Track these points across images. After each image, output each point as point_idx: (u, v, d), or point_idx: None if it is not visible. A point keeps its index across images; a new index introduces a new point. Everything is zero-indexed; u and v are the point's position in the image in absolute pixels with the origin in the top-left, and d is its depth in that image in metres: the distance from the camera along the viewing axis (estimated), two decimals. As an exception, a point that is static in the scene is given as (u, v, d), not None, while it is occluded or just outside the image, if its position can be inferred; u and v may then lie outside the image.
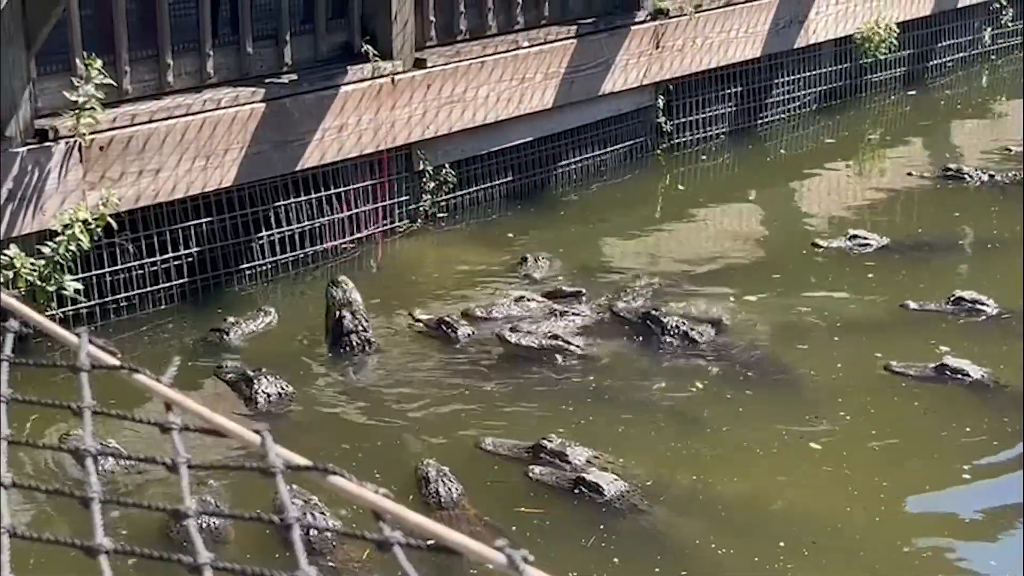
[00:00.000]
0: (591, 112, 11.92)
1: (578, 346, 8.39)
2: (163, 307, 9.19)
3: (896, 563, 6.30)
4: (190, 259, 9.32)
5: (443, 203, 10.86)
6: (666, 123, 12.57)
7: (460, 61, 10.70)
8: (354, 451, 7.33)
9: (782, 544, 6.36)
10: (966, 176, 11.85)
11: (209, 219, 9.41)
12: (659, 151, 12.57)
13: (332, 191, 10.12)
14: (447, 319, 8.71)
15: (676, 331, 8.56)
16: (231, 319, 8.76)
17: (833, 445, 7.26)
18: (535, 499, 6.74)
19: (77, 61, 8.56)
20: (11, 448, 1.66)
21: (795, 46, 13.53)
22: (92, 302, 8.78)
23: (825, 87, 14.04)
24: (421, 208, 10.68)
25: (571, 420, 7.57)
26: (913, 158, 12.96)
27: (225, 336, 8.60)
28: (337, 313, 8.52)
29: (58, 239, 8.24)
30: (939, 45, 15.42)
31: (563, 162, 11.86)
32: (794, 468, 7.11)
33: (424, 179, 10.69)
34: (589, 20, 11.77)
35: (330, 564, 6.05)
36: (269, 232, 9.78)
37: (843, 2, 13.81)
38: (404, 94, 10.32)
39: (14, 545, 1.55)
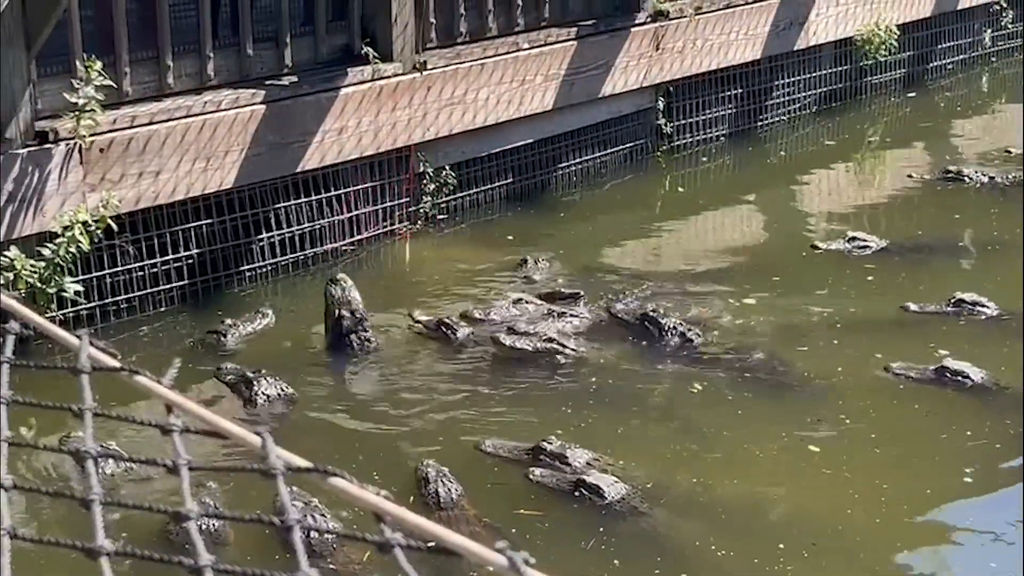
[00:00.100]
0: (591, 114, 11.92)
1: (573, 349, 8.37)
2: (163, 309, 9.19)
3: (896, 565, 6.30)
4: (190, 261, 9.32)
5: (443, 205, 10.86)
6: (666, 125, 12.58)
7: (460, 63, 10.71)
8: (354, 452, 7.33)
9: (782, 546, 6.35)
10: (966, 178, 11.85)
11: (209, 221, 9.41)
12: (659, 153, 12.57)
13: (332, 193, 10.13)
14: (446, 320, 8.71)
15: (674, 332, 8.56)
16: (229, 321, 8.76)
17: (833, 447, 7.26)
18: (535, 501, 6.74)
19: (77, 63, 8.57)
20: (12, 450, 1.66)
21: (795, 48, 13.54)
22: (92, 304, 8.78)
23: (825, 89, 14.04)
24: (421, 210, 10.69)
25: (570, 422, 7.57)
26: (913, 160, 12.96)
27: (222, 338, 8.60)
28: (337, 312, 8.51)
29: (58, 241, 8.24)
30: (939, 47, 15.42)
31: (563, 164, 11.87)
32: (794, 470, 7.10)
33: (424, 181, 10.69)
34: (589, 22, 11.78)
35: (331, 566, 6.05)
36: (269, 234, 9.78)
37: (843, 4, 13.81)
38: (404, 96, 10.32)
39: (15, 547, 1.55)
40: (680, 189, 12.24)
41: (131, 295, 9.03)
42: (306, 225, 9.99)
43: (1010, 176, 11.88)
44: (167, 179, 9.00)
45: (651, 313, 8.73)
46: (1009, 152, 12.71)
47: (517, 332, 8.60)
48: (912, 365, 8.08)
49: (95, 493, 1.55)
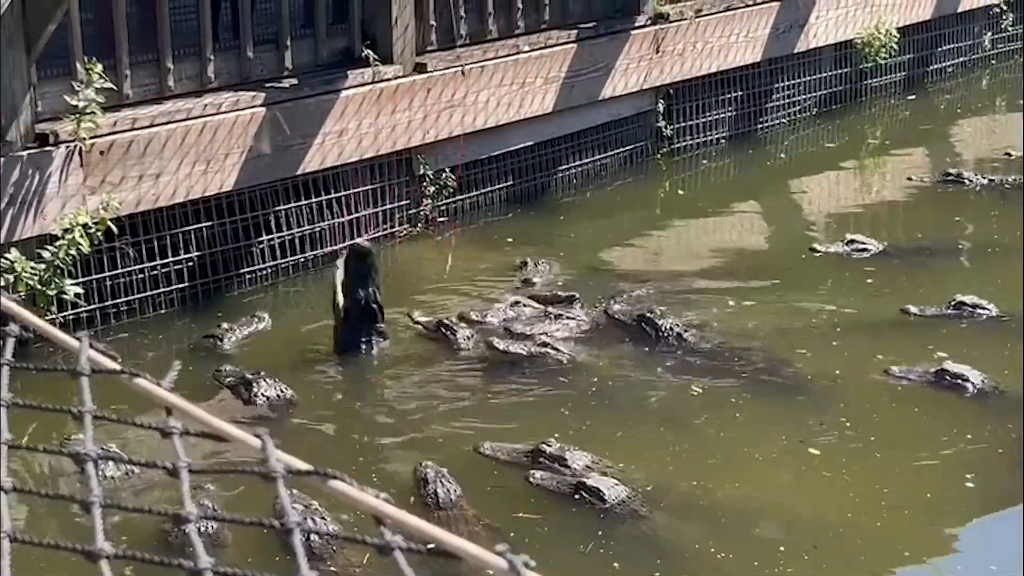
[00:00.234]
0: (591, 116, 11.92)
1: (568, 353, 8.35)
2: (163, 311, 9.20)
3: (897, 568, 6.30)
4: (190, 263, 9.32)
5: (443, 207, 10.86)
6: (666, 127, 12.58)
7: (460, 65, 10.71)
8: (353, 454, 7.33)
9: (782, 549, 6.35)
10: (966, 180, 11.85)
11: (209, 223, 9.41)
12: (659, 155, 12.58)
13: (332, 195, 10.13)
14: (446, 322, 8.71)
15: (671, 333, 8.56)
16: (225, 325, 8.76)
17: (833, 450, 7.25)
18: (535, 504, 6.74)
19: (78, 65, 8.57)
20: (12, 452, 1.66)
21: (795, 50, 13.54)
22: (92, 306, 8.78)
23: (825, 91, 14.05)
24: (421, 212, 10.69)
25: (569, 424, 7.57)
26: (913, 162, 12.96)
27: (219, 342, 8.59)
28: (363, 295, 8.40)
29: (59, 243, 8.24)
30: (939, 50, 15.43)
31: (563, 166, 11.87)
32: (794, 473, 7.10)
33: (424, 183, 10.69)
34: (589, 24, 11.78)
35: (331, 569, 6.05)
36: (269, 236, 9.78)
37: (843, 7, 13.82)
38: (404, 98, 10.32)
39: (15, 550, 1.55)
40: (680, 191, 12.24)
41: (131, 297, 9.03)
42: (306, 228, 9.99)
43: (1010, 179, 11.88)
44: (167, 181, 9.00)
45: (648, 314, 8.72)
46: (1009, 154, 12.71)
47: (512, 334, 8.60)
48: (912, 368, 8.08)
49: (95, 495, 1.55)
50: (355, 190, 10.26)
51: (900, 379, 7.98)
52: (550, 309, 9.02)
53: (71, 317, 8.57)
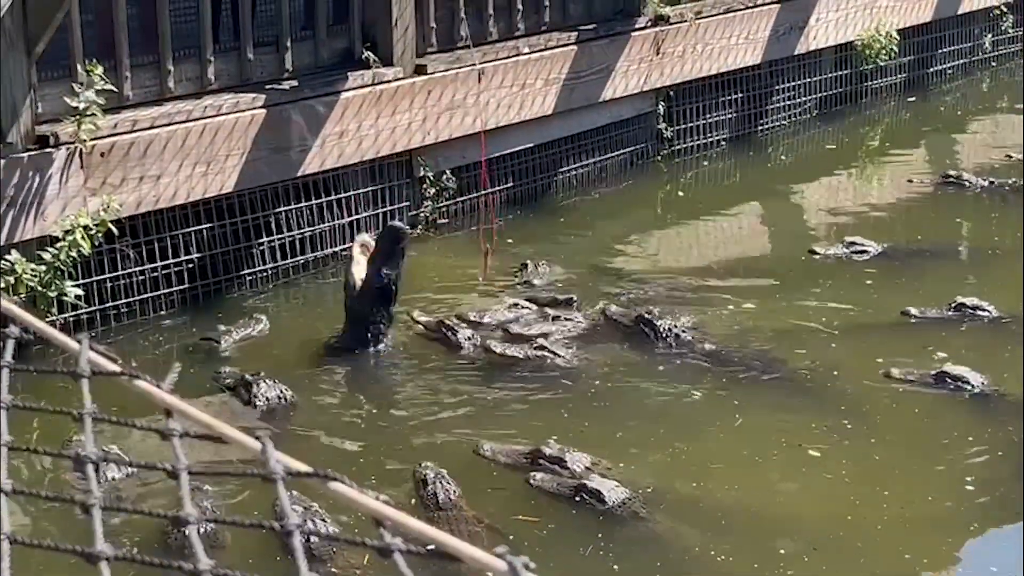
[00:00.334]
0: (591, 118, 11.93)
1: (566, 355, 8.34)
2: (163, 313, 9.20)
3: (897, 571, 6.29)
4: (191, 265, 9.32)
5: (443, 209, 10.87)
6: (667, 129, 12.58)
7: (461, 67, 10.72)
8: (353, 455, 7.33)
9: (782, 551, 6.35)
10: (966, 183, 11.85)
11: (210, 225, 9.42)
12: (659, 157, 12.58)
13: (332, 197, 10.13)
14: (447, 322, 8.71)
15: (670, 334, 8.56)
16: (223, 327, 8.76)
17: (833, 452, 7.25)
18: (534, 506, 6.74)
19: (78, 67, 8.57)
20: (12, 454, 1.66)
21: (795, 52, 13.54)
22: (93, 308, 8.78)
23: (825, 93, 14.05)
24: (422, 214, 10.69)
25: (568, 425, 7.56)
26: (913, 164, 12.96)
27: (216, 344, 8.59)
28: (388, 275, 8.41)
29: (59, 245, 8.24)
30: (939, 52, 15.43)
31: (563, 168, 11.87)
32: (794, 475, 7.10)
33: (425, 185, 10.70)
34: (590, 26, 11.78)
35: (331, 570, 6.04)
36: (270, 238, 9.78)
37: (843, 9, 13.82)
38: (405, 100, 10.33)
39: (14, 552, 1.55)
40: (680, 193, 12.25)
41: (131, 299, 9.03)
42: (307, 229, 9.99)
43: (1010, 181, 11.88)
44: (168, 183, 9.00)
45: (647, 315, 8.72)
46: (1009, 157, 12.71)
47: (509, 334, 8.60)
48: (912, 370, 8.08)
49: (95, 497, 1.55)
50: (355, 192, 10.26)
51: (900, 381, 7.98)
52: (548, 310, 9.03)
53: (71, 319, 8.58)
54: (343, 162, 10.03)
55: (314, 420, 7.76)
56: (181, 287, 9.28)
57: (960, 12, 15.42)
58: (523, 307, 9.07)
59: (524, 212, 11.33)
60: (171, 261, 9.21)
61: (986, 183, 11.83)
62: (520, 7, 11.37)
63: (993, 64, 16.04)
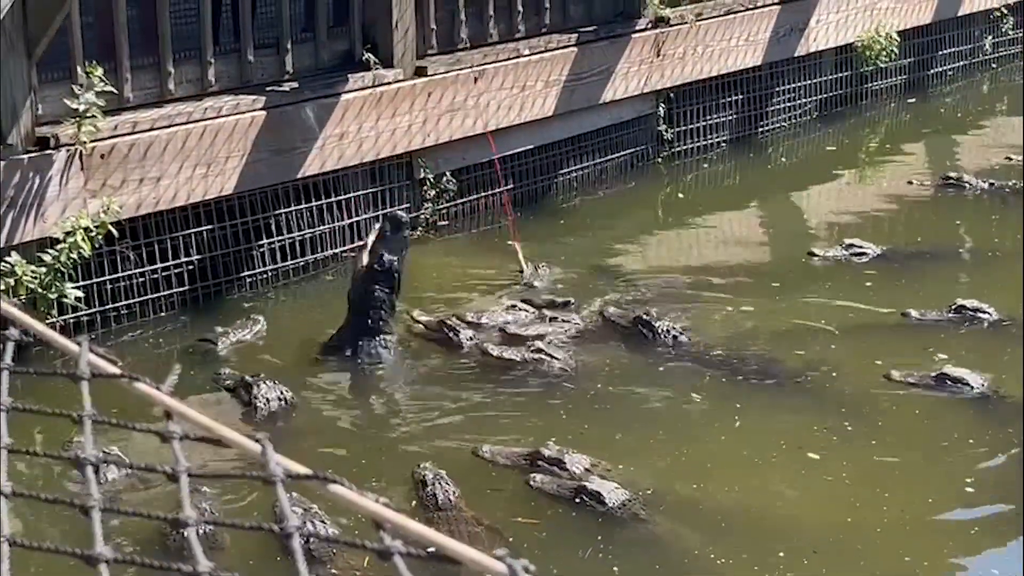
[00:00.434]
0: (592, 120, 11.93)
1: (563, 357, 8.34)
2: (164, 315, 9.20)
3: (897, 573, 6.29)
4: (191, 267, 9.32)
5: (443, 211, 10.87)
6: (667, 131, 12.59)
7: (461, 69, 10.72)
8: (353, 456, 7.33)
9: (782, 554, 6.35)
10: (966, 184, 11.85)
11: (210, 227, 9.42)
12: (660, 159, 12.58)
13: (333, 199, 10.13)
14: (449, 322, 8.72)
15: (668, 336, 8.56)
16: (220, 329, 8.76)
17: (833, 454, 7.25)
18: (534, 508, 6.74)
19: (78, 69, 8.57)
20: (13, 456, 1.66)
21: (796, 54, 13.55)
22: (93, 310, 8.78)
23: (826, 95, 14.06)
24: (422, 216, 10.70)
25: (568, 427, 7.56)
26: (913, 166, 12.96)
27: (213, 346, 8.59)
28: (389, 260, 8.46)
29: (59, 247, 8.24)
30: (939, 53, 15.44)
31: (564, 170, 11.87)
32: (794, 477, 7.10)
33: (425, 187, 10.70)
34: (590, 28, 11.79)
35: (331, 572, 6.04)
36: (270, 240, 9.78)
37: (843, 10, 13.82)
38: (405, 102, 10.33)
39: (14, 553, 1.55)
40: (680, 195, 12.25)
41: (131, 301, 9.03)
42: (307, 231, 9.99)
43: (1010, 183, 11.88)
44: (168, 185, 9.01)
45: (645, 317, 8.72)
46: (1010, 159, 12.71)
47: (507, 336, 8.60)
48: (912, 371, 8.08)
49: (94, 500, 1.55)
50: (355, 193, 10.27)
51: (900, 383, 7.98)
52: (546, 312, 9.03)
53: (71, 321, 8.58)
54: (343, 164, 10.04)
55: (314, 421, 7.76)
56: (181, 289, 9.29)
57: (960, 14, 15.43)
58: (520, 309, 9.08)
59: (524, 214, 11.32)
60: (171, 263, 9.21)
61: (986, 185, 11.83)
62: (520, 9, 11.37)
63: (993, 66, 16.04)
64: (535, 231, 10.95)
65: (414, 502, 6.64)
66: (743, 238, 11.36)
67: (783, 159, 13.21)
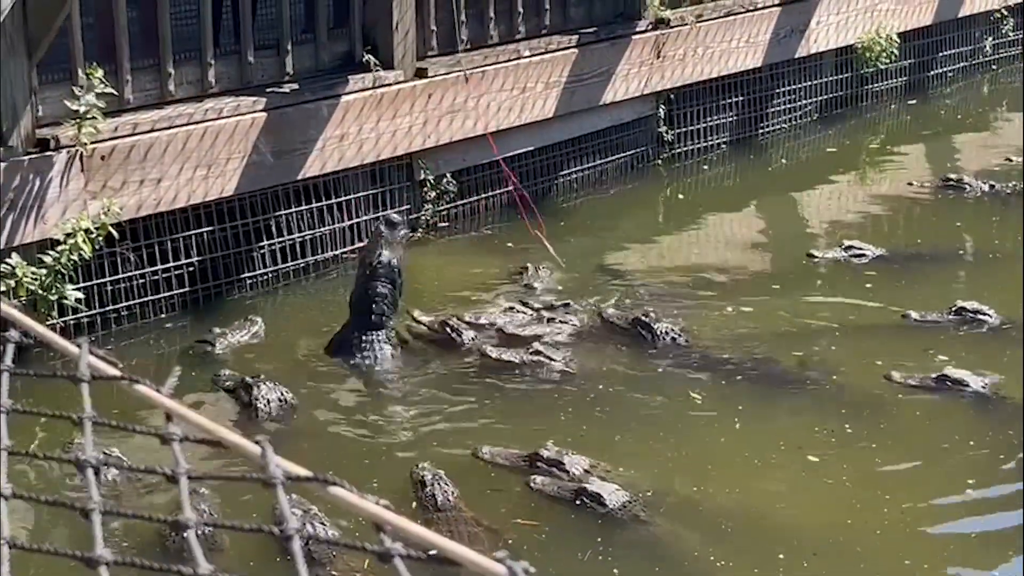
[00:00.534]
0: (592, 121, 11.93)
1: (561, 358, 8.34)
2: (164, 316, 9.20)
3: (898, 575, 6.29)
4: (191, 268, 9.32)
5: (444, 212, 10.87)
6: (667, 132, 12.59)
7: (461, 71, 10.71)
8: (353, 457, 7.33)
9: (782, 556, 6.34)
10: (966, 186, 11.85)
11: (210, 228, 9.42)
12: (660, 160, 12.58)
13: (333, 200, 10.13)
14: (450, 322, 8.72)
15: (666, 336, 8.56)
16: (217, 330, 8.76)
17: (833, 456, 7.25)
18: (534, 509, 6.74)
19: (79, 70, 8.58)
20: (13, 458, 1.66)
21: (796, 56, 13.55)
22: (93, 311, 8.78)
23: (826, 97, 14.05)
24: (422, 218, 10.70)
25: (567, 428, 7.56)
26: (913, 168, 12.96)
27: (210, 347, 8.59)
28: (389, 256, 8.48)
29: (60, 248, 8.24)
30: (940, 55, 15.44)
31: (564, 171, 11.87)
32: (794, 479, 7.09)
33: (425, 188, 10.70)
34: (590, 30, 11.79)
35: (331, 574, 6.04)
36: (270, 241, 9.78)
37: (844, 12, 13.82)
38: (405, 103, 10.33)
39: (14, 556, 1.55)
40: (680, 196, 12.25)
41: (132, 302, 9.03)
42: (307, 232, 9.99)
43: (1011, 184, 11.88)
44: (168, 186, 9.01)
45: (644, 318, 8.72)
46: (1010, 160, 12.71)
47: (506, 337, 8.60)
48: (913, 373, 8.07)
49: (94, 502, 1.55)
50: (356, 195, 10.27)
51: (901, 385, 7.97)
52: (544, 313, 9.02)
53: (72, 322, 8.58)
54: (343, 165, 10.04)
55: (315, 422, 7.76)
56: (182, 290, 9.29)
57: (961, 15, 15.42)
58: (519, 310, 9.07)
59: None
60: (171, 264, 9.21)
61: (986, 186, 11.83)
62: (521, 10, 11.37)
63: (994, 67, 16.04)
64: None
65: (413, 504, 6.64)
66: (743, 239, 11.36)
67: (783, 160, 13.21)
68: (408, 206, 10.58)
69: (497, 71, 10.96)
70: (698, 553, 6.36)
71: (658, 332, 8.59)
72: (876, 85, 14.52)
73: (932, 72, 15.35)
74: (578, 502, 6.67)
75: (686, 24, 12.34)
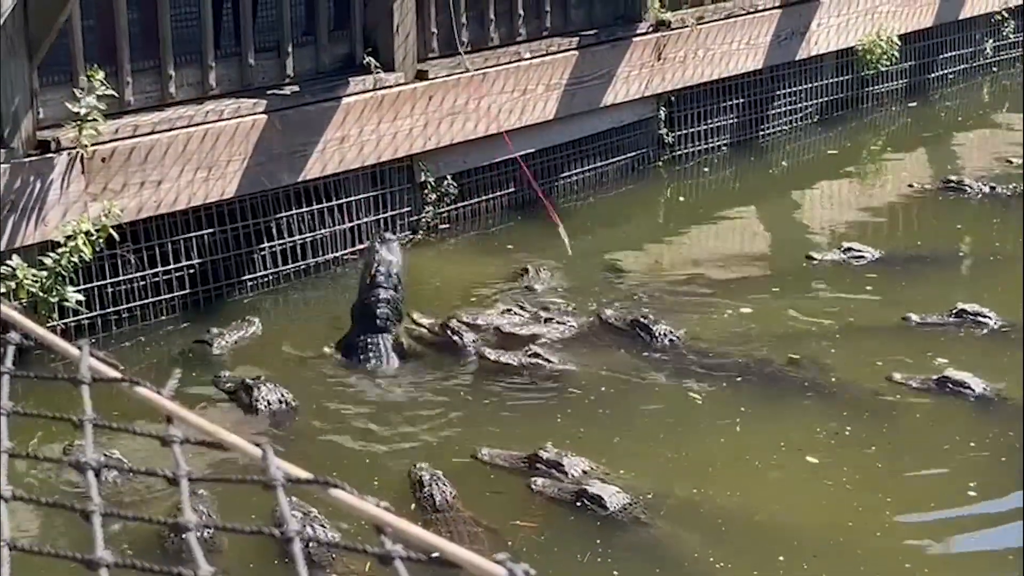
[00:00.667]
0: (592, 123, 11.93)
1: (559, 360, 8.33)
2: (165, 318, 9.20)
3: (897, 576, 6.29)
4: (192, 270, 9.32)
5: (444, 214, 10.87)
6: (668, 135, 12.59)
7: (462, 73, 10.72)
8: (353, 459, 7.33)
9: (782, 558, 6.34)
10: (967, 188, 11.85)
11: (211, 230, 9.42)
12: (660, 162, 12.58)
13: (334, 202, 10.13)
14: (451, 324, 8.72)
15: (665, 338, 8.56)
16: (215, 330, 8.75)
17: (833, 458, 7.25)
18: (534, 511, 6.73)
19: (79, 72, 8.58)
20: (14, 460, 1.66)
21: (797, 58, 13.55)
22: (94, 313, 8.78)
23: (826, 99, 14.05)
24: (423, 219, 10.70)
25: (566, 430, 7.55)
26: (914, 170, 12.97)
27: (208, 347, 8.59)
28: (391, 260, 8.54)
29: (60, 250, 8.24)
30: (940, 57, 15.44)
31: (564, 173, 11.87)
32: (794, 481, 7.09)
33: (426, 190, 10.70)
34: (591, 32, 11.79)
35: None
36: (271, 243, 9.78)
37: (845, 14, 13.83)
38: (406, 105, 10.33)
39: (14, 558, 1.55)
40: (681, 198, 12.25)
41: (132, 305, 9.03)
42: (308, 234, 9.99)
43: (1011, 186, 11.88)
44: (169, 188, 9.01)
45: (642, 319, 8.72)
46: (1010, 162, 12.71)
47: (504, 337, 8.59)
48: (913, 375, 8.07)
49: (95, 504, 1.55)
50: (356, 197, 10.27)
51: (901, 386, 7.97)
52: (542, 314, 9.02)
53: (72, 324, 8.58)
54: (344, 167, 10.04)
55: (315, 424, 7.76)
56: (182, 292, 9.29)
57: (961, 17, 15.42)
58: (517, 312, 9.07)
59: (525, 217, 11.32)
60: (172, 266, 9.21)
61: (987, 189, 11.83)
62: (521, 12, 11.38)
63: (994, 69, 16.04)
64: (535, 233, 10.95)
65: (412, 505, 6.64)
66: (743, 241, 11.36)
67: (784, 163, 13.21)
68: (408, 208, 10.58)
69: (498, 73, 10.97)
70: (698, 555, 6.35)
71: (657, 334, 8.59)
72: (877, 87, 14.52)
73: (933, 74, 15.35)
74: (578, 504, 6.67)
75: (687, 26, 12.35)
